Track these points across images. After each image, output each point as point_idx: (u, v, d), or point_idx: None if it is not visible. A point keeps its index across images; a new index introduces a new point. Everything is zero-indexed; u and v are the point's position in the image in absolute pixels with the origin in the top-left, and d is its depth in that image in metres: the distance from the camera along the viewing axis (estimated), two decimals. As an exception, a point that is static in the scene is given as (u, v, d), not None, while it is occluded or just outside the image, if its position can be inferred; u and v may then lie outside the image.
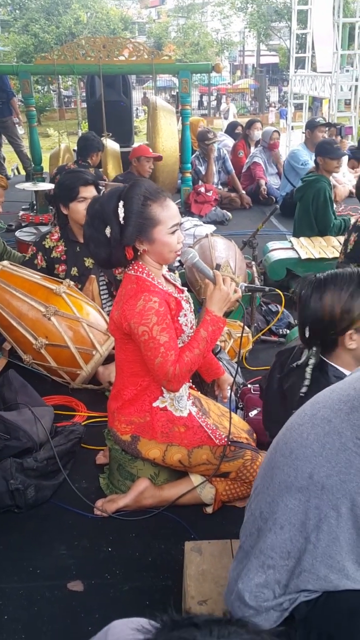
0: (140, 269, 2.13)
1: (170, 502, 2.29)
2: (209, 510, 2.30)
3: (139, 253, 2.13)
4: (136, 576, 2.03)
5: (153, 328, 2.03)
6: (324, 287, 1.84)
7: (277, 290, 3.65)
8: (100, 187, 3.67)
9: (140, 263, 2.15)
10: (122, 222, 2.04)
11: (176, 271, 3.68)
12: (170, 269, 2.77)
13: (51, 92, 23.14)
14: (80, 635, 1.78)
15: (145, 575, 2.03)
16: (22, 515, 2.30)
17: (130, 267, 2.15)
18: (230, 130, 9.50)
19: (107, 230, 2.07)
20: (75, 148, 6.55)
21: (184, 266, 3.87)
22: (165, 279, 2.26)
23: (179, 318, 2.17)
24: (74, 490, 2.39)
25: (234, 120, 12.21)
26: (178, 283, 2.33)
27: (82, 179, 3.39)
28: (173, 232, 2.09)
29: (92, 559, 2.10)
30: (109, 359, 3.22)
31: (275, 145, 7.63)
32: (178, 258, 4.42)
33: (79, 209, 3.33)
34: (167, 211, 2.07)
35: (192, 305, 2.28)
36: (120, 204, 2.04)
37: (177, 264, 4.46)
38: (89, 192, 3.35)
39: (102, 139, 6.46)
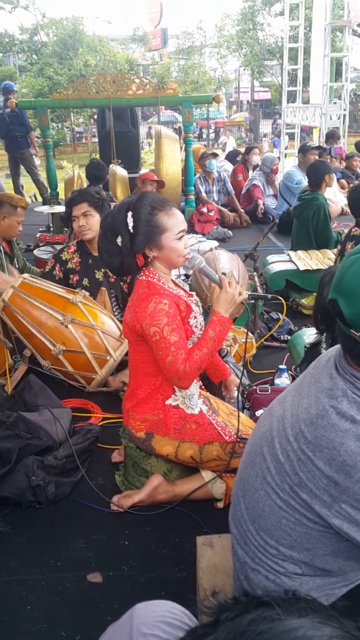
0: (152, 275, 2.09)
1: (183, 497, 2.22)
2: (220, 505, 2.22)
3: (149, 260, 2.09)
4: (152, 568, 1.95)
5: (164, 328, 1.97)
6: None
7: (279, 297, 3.59)
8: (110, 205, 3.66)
9: (151, 269, 2.10)
10: (131, 231, 2.01)
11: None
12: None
13: (64, 128, 23.42)
14: (99, 625, 1.71)
15: (161, 567, 1.96)
16: (43, 511, 2.23)
17: (142, 273, 2.11)
18: (232, 157, 9.72)
19: (119, 240, 2.04)
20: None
21: (191, 275, 3.82)
22: (175, 283, 2.21)
23: (189, 320, 2.12)
24: (92, 487, 2.33)
25: (235, 149, 12.43)
26: (187, 288, 2.28)
27: (71, 201, 3.43)
28: (180, 238, 2.05)
29: (109, 552, 2.03)
30: (119, 368, 3.17)
31: (276, 170, 7.75)
32: (184, 272, 4.42)
33: (75, 227, 3.42)
34: (173, 219, 2.03)
35: (201, 308, 2.23)
36: (129, 214, 2.01)
37: (183, 277, 4.42)
38: (78, 210, 3.37)
39: (111, 165, 6.46)
